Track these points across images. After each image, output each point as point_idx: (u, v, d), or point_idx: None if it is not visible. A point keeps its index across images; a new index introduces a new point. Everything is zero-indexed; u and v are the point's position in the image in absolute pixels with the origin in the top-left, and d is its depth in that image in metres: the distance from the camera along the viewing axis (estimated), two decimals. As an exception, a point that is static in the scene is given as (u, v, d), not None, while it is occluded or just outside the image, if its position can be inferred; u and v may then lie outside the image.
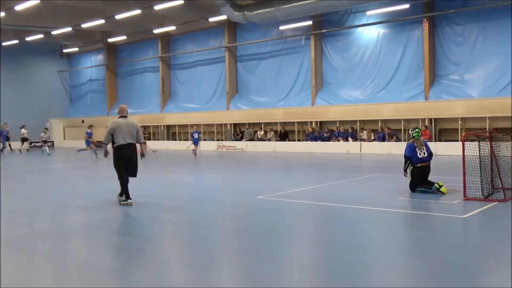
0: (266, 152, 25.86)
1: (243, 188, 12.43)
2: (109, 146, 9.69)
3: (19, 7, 22.55)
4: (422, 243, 6.64)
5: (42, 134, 28.58)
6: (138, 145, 9.93)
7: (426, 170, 10.39)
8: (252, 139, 28.38)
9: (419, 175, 10.31)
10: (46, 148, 26.67)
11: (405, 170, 10.51)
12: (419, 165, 10.29)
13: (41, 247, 6.82)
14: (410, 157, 10.38)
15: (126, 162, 9.55)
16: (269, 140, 27.51)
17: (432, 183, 10.16)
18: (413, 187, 10.32)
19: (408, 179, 10.50)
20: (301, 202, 9.79)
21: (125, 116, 9.78)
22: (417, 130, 10.78)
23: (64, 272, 5.65)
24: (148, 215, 8.88)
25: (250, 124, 28.95)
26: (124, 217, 8.90)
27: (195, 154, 23.97)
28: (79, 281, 5.29)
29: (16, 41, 32.35)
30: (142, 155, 9.91)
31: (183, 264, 6.01)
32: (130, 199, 9.53)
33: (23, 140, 30.51)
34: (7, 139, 31.25)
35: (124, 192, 9.56)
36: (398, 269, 5.49)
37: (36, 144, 33.12)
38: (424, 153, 10.37)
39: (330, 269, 5.55)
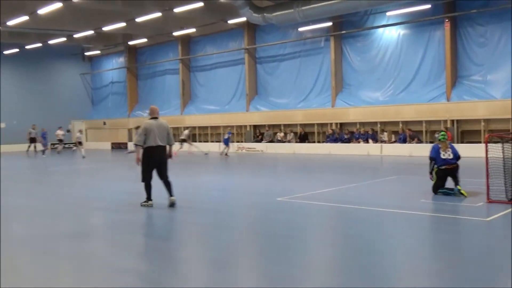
0: (286, 154, 25.82)
1: (262, 190, 12.43)
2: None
3: (42, 11, 22.91)
4: (444, 245, 6.56)
5: (78, 134, 28.65)
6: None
7: (451, 172, 10.30)
8: (271, 141, 28.37)
9: (443, 177, 10.25)
10: (82, 150, 26.72)
11: (430, 173, 10.43)
12: (443, 167, 10.24)
13: (63, 247, 6.91)
14: (434, 158, 10.32)
15: (156, 164, 9.46)
16: (289, 141, 27.46)
17: (452, 188, 10.10)
18: (436, 188, 10.25)
19: (432, 182, 10.42)
20: (321, 204, 9.74)
21: (156, 118, 9.61)
22: (442, 133, 10.78)
23: (86, 273, 5.71)
24: (169, 216, 8.94)
25: (269, 126, 28.95)
26: (145, 218, 8.97)
27: (226, 155, 24.31)
28: (101, 282, 5.35)
29: (40, 44, 32.87)
30: (170, 156, 9.72)
31: (202, 265, 6.03)
32: (151, 200, 9.57)
33: (60, 141, 30.81)
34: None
35: (147, 193, 9.57)
36: (419, 272, 5.43)
37: (67, 146, 33.70)
38: (449, 155, 10.29)
39: (349, 271, 5.51)
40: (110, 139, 38.55)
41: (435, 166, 10.32)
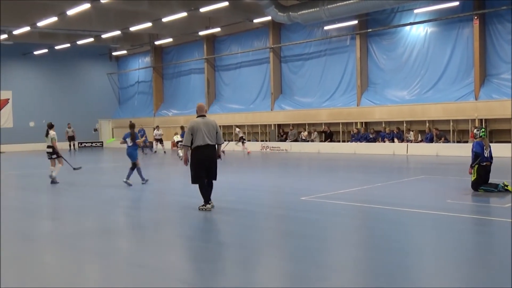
0: (310, 153, 25.73)
1: (287, 189, 12.42)
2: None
3: (70, 12, 23.32)
4: (470, 247, 6.46)
5: (156, 131, 28.67)
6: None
7: (489, 169, 10.27)
8: (296, 140, 28.30)
9: (484, 174, 10.25)
10: (156, 148, 26.44)
11: (472, 167, 10.30)
12: (484, 163, 10.20)
13: (92, 245, 7.04)
14: (480, 154, 10.23)
15: (205, 164, 8.91)
16: (312, 141, 27.35)
17: (496, 184, 10.10)
18: (477, 186, 10.19)
19: (471, 178, 10.38)
20: (346, 204, 9.69)
21: (204, 115, 9.13)
22: (483, 129, 10.72)
23: (114, 271, 5.80)
24: (193, 215, 8.99)
25: (294, 125, 28.88)
26: (170, 217, 9.06)
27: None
28: (128, 280, 5.43)
29: (68, 45, 33.48)
30: (219, 156, 9.22)
31: (227, 264, 6.07)
32: (209, 203, 8.98)
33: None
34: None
35: (203, 196, 8.97)
36: (443, 273, 5.36)
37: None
38: (490, 152, 10.32)
39: (373, 271, 5.47)
40: (136, 138, 38.91)
41: (477, 163, 10.26)
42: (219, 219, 8.78)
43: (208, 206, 8.95)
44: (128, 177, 12.82)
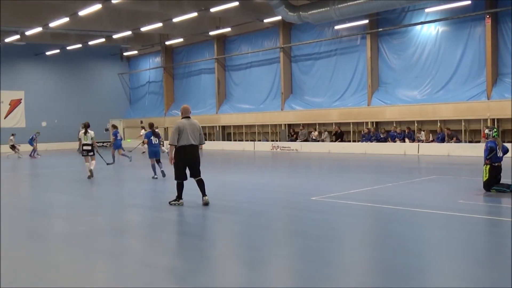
0: (320, 153, 25.68)
1: (297, 189, 12.40)
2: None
3: (82, 13, 23.48)
4: (482, 247, 6.41)
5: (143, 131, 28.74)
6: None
7: (501, 169, 10.26)
8: (306, 140, 28.26)
9: (497, 175, 10.21)
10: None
11: (488, 159, 10.26)
12: (496, 164, 10.15)
13: (101, 244, 7.08)
14: (495, 148, 10.24)
15: (189, 163, 9.47)
16: (323, 140, 27.29)
17: (508, 184, 10.05)
18: (489, 186, 10.13)
19: (482, 179, 10.34)
20: (356, 204, 9.65)
21: (189, 117, 9.63)
22: (495, 130, 10.68)
23: (123, 270, 5.83)
24: (203, 214, 9.02)
25: (304, 125, 28.83)
26: (180, 217, 9.09)
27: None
28: (138, 280, 5.46)
29: (80, 45, 33.71)
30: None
31: (236, 264, 6.07)
32: (182, 199, 9.58)
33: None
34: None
35: (178, 192, 9.55)
36: (455, 274, 5.32)
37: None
38: (503, 151, 10.34)
39: (384, 271, 5.45)
40: (147, 137, 39.11)
41: (488, 163, 10.22)
42: (228, 218, 8.80)
43: (181, 201, 9.55)
44: (155, 173, 14.47)
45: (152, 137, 14.70)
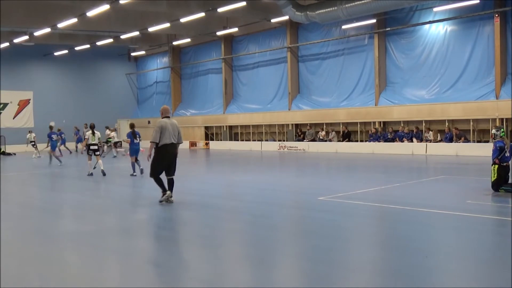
0: (328, 153, 25.63)
1: (304, 189, 12.40)
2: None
3: (90, 13, 23.59)
4: (490, 247, 6.37)
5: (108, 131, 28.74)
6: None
7: (509, 169, 10.19)
8: (313, 140, 28.22)
9: (504, 174, 10.17)
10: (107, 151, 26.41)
11: (497, 158, 10.23)
12: (505, 164, 10.10)
13: (110, 243, 7.12)
14: (504, 148, 10.19)
15: (169, 160, 9.77)
16: (330, 140, 27.25)
17: None
18: (497, 186, 10.07)
19: (491, 179, 10.28)
20: (364, 204, 9.63)
21: (168, 117, 9.99)
22: (502, 130, 10.64)
23: (131, 270, 5.86)
24: (211, 214, 9.04)
25: (311, 125, 28.79)
26: (187, 217, 9.11)
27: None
28: (145, 279, 5.48)
29: (88, 46, 33.86)
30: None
31: (244, 264, 6.08)
32: (167, 190, 9.75)
33: None
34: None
35: (160, 186, 9.78)
36: (463, 274, 5.30)
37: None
38: (508, 152, 10.29)
39: (391, 271, 5.44)
40: (154, 137, 39.23)
41: (497, 163, 10.17)
42: (236, 218, 8.81)
43: (167, 192, 9.72)
44: (134, 170, 15.41)
45: (132, 137, 15.75)
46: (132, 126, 16.29)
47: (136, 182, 14.19)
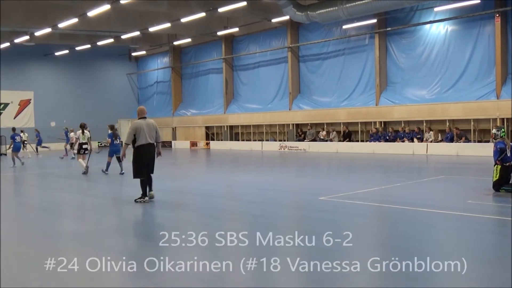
0: (328, 153, 25.62)
1: (305, 189, 12.39)
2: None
3: (90, 13, 23.60)
4: (491, 248, 6.37)
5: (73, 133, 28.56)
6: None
7: (510, 170, 10.15)
8: (314, 140, 28.21)
9: (506, 175, 10.14)
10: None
11: (499, 160, 10.20)
12: (507, 164, 10.07)
13: (110, 243, 7.11)
14: (504, 149, 10.17)
15: (147, 161, 9.91)
16: (331, 140, 27.24)
17: None
18: (499, 186, 10.05)
19: (492, 179, 10.27)
20: (364, 204, 9.62)
21: (145, 117, 10.12)
22: (503, 130, 10.61)
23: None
24: (211, 214, 9.03)
25: (312, 125, 28.79)
26: (187, 216, 9.10)
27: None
28: (144, 279, 5.47)
29: (88, 46, 33.86)
30: (159, 153, 10.30)
31: (244, 265, 6.07)
32: (147, 196, 9.91)
33: None
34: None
35: (142, 189, 9.89)
36: (464, 274, 5.29)
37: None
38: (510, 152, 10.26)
39: (391, 271, 5.43)
40: (155, 137, 39.25)
41: (499, 164, 10.15)
42: (236, 218, 8.80)
43: (146, 198, 9.84)
44: (108, 169, 16.11)
45: (113, 138, 16.62)
46: (112, 127, 17.23)
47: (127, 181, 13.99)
